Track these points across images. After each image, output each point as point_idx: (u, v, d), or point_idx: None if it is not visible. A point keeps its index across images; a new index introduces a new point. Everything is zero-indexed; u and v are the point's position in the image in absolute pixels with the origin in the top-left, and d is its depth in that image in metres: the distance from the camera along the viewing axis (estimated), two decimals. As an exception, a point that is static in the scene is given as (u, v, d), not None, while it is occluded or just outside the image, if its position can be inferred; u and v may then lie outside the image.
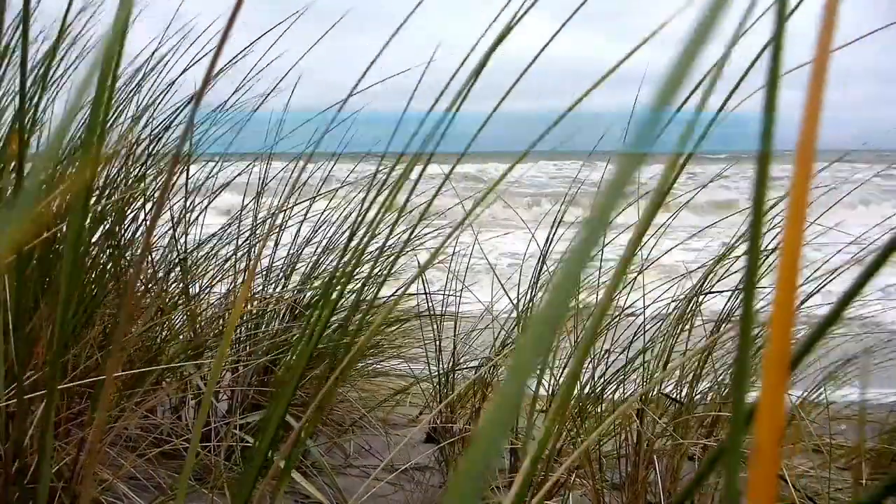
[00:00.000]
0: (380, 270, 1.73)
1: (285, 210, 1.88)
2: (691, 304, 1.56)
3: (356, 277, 1.83)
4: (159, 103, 1.70)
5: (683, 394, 1.62)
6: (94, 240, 1.45)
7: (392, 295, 2.02)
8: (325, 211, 2.09)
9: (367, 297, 1.80)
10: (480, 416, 1.89)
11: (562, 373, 1.70)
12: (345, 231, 2.06)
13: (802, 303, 1.65)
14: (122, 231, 1.62)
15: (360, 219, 0.74)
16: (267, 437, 0.55)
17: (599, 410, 1.57)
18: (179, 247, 1.81)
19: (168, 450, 1.57)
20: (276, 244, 1.99)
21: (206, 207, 1.89)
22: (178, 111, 1.71)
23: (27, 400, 1.05)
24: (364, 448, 2.03)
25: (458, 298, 2.07)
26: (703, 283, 1.57)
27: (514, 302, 1.80)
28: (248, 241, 1.93)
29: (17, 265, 1.06)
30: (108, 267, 1.55)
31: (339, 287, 0.66)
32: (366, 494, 1.61)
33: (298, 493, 1.61)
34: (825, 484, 1.34)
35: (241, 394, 1.83)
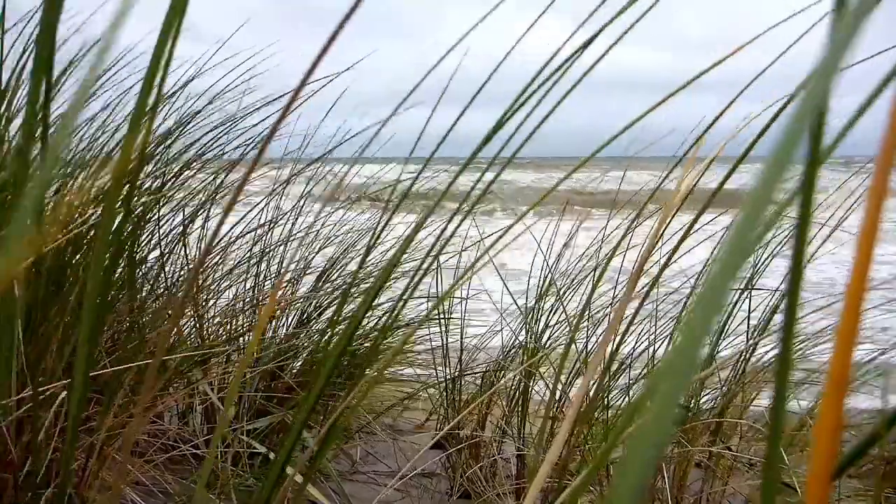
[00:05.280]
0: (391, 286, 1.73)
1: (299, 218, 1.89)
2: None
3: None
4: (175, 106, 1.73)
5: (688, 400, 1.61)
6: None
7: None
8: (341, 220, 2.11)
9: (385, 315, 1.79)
10: (486, 422, 1.89)
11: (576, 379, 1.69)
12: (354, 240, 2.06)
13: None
14: (137, 239, 1.63)
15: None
16: (285, 451, 0.54)
17: (607, 416, 1.57)
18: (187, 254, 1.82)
19: (175, 455, 1.58)
20: (285, 248, 2.00)
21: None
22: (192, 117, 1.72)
23: (38, 403, 1.05)
24: (371, 454, 2.03)
25: (464, 304, 2.06)
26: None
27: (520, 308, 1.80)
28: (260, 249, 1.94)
29: (30, 268, 1.07)
30: (121, 274, 1.56)
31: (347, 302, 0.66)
32: (373, 500, 1.60)
33: (305, 499, 1.61)
34: (835, 492, 1.33)
35: (248, 399, 1.83)
